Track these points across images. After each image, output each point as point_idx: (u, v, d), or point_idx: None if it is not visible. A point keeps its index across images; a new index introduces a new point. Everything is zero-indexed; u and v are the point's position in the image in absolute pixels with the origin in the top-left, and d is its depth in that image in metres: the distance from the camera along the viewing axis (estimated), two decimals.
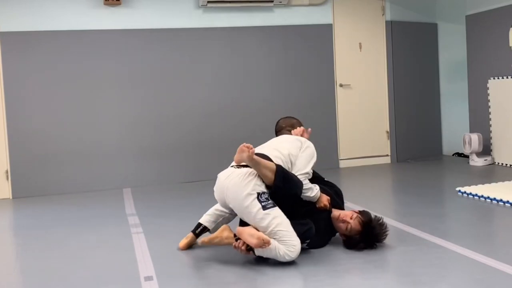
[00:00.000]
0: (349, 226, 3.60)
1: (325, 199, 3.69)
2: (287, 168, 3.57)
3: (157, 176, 6.70)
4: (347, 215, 3.65)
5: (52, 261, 3.80)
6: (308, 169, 3.67)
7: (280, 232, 3.31)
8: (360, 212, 3.67)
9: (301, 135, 3.98)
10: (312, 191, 3.65)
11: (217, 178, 3.58)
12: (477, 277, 3.08)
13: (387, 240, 3.68)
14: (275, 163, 3.46)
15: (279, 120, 4.26)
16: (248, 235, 3.30)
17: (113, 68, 6.57)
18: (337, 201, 3.85)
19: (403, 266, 3.35)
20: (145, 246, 4.00)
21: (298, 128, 4.07)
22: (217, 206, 3.86)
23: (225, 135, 6.91)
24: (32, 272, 3.63)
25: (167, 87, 6.75)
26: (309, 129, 4.10)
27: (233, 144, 6.88)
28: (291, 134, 4.02)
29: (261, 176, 3.41)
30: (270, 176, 3.39)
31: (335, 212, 3.72)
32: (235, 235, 3.46)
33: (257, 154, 3.50)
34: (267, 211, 3.32)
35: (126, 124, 6.62)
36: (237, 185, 3.40)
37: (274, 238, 3.31)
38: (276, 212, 3.37)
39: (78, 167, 6.45)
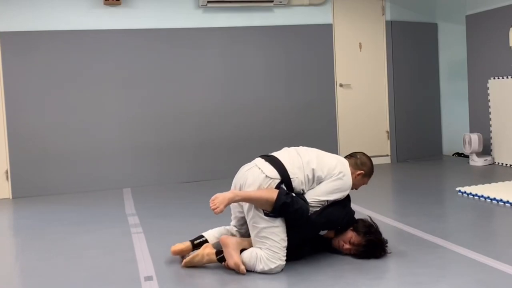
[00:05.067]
0: (352, 250, 3.52)
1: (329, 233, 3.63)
2: (303, 185, 3.39)
3: (157, 176, 6.70)
4: (345, 241, 3.52)
5: (52, 261, 3.80)
6: (327, 198, 3.40)
7: (270, 241, 3.24)
8: (355, 229, 3.51)
9: (356, 175, 3.58)
10: None
11: (239, 170, 3.50)
12: (477, 277, 3.08)
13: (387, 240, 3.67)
14: (277, 192, 3.23)
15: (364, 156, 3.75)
16: (229, 255, 3.29)
17: (113, 68, 6.57)
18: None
19: (403, 266, 3.34)
20: (145, 246, 4.00)
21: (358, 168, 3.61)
22: (226, 226, 3.67)
23: (225, 135, 6.92)
24: (32, 272, 3.63)
25: (167, 87, 6.75)
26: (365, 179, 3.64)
27: (233, 144, 7.00)
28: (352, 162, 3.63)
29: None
30: (268, 207, 3.24)
31: (334, 241, 3.60)
32: (217, 253, 3.38)
33: (269, 156, 3.45)
34: (268, 217, 3.26)
35: (126, 124, 6.62)
36: (257, 178, 3.34)
37: (263, 242, 3.25)
38: (277, 222, 3.27)
39: (78, 167, 6.45)
